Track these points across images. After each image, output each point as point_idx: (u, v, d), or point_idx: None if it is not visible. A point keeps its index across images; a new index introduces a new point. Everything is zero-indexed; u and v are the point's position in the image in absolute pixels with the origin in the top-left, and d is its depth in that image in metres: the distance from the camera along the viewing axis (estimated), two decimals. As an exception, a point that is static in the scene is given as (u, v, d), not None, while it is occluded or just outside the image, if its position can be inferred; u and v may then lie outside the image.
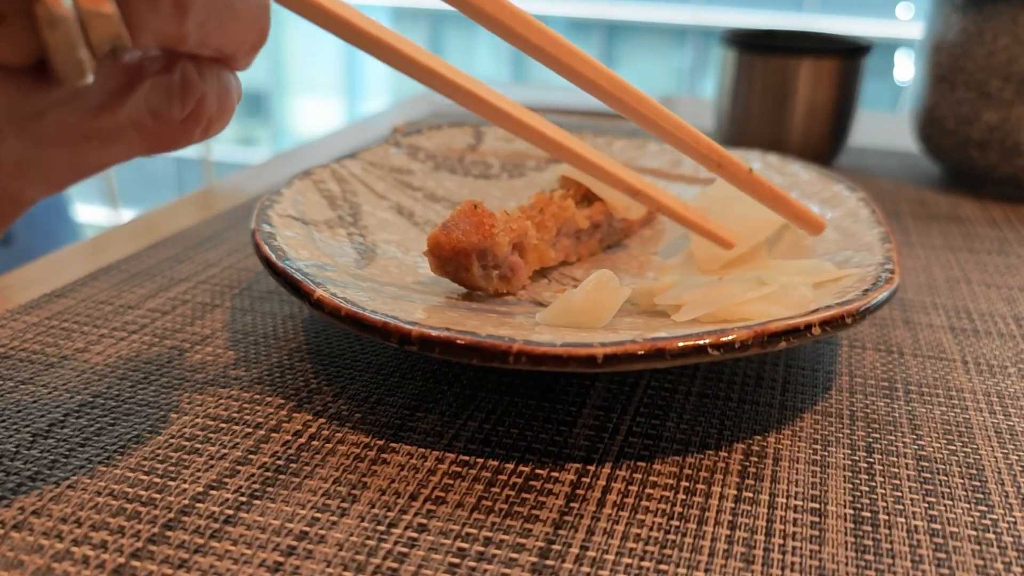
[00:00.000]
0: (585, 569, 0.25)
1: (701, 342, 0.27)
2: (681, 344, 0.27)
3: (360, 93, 3.46)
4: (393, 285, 0.35)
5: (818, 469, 0.30)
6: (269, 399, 0.32)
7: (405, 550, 0.25)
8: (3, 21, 0.18)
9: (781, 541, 0.26)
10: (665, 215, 0.35)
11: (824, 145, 0.66)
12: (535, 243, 0.37)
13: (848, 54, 0.64)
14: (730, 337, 0.28)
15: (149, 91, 0.22)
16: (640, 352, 0.27)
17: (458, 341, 0.28)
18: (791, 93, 0.63)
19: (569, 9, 3.18)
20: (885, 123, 0.89)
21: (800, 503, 0.28)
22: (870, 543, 0.26)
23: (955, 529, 0.27)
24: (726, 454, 0.30)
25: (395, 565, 0.24)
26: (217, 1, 0.21)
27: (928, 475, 0.30)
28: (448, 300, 0.36)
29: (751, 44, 0.65)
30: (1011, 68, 0.56)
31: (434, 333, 0.28)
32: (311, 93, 3.42)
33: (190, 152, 2.89)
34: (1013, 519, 0.27)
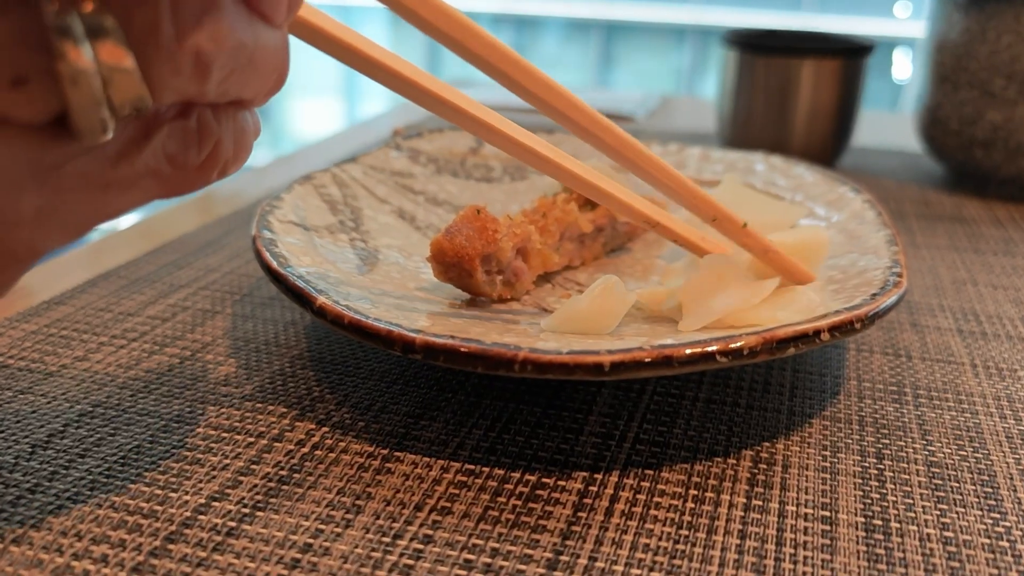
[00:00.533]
0: (594, 581, 0.24)
1: (709, 349, 0.27)
2: (689, 351, 0.27)
3: (359, 95, 3.46)
4: (396, 291, 0.35)
5: (828, 476, 0.29)
6: (271, 408, 0.32)
7: (411, 562, 0.25)
8: (27, 82, 0.18)
9: (792, 551, 0.26)
10: (680, 245, 0.35)
11: (827, 146, 0.65)
12: (539, 248, 0.37)
13: (850, 54, 0.63)
14: (739, 344, 0.27)
15: (166, 138, 0.21)
16: (648, 360, 0.27)
17: (463, 349, 0.27)
18: (793, 94, 0.63)
19: (567, 9, 3.18)
20: (886, 123, 0.88)
21: (810, 511, 0.27)
22: (882, 552, 0.26)
23: (968, 537, 0.27)
24: (735, 461, 0.30)
25: (401, 578, 0.24)
26: (239, 58, 0.21)
27: (939, 481, 0.29)
28: (452, 307, 0.35)
29: (752, 45, 0.64)
30: (1014, 67, 0.56)
31: (439, 341, 0.28)
32: (310, 95, 3.42)
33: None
34: (1027, 526, 0.27)
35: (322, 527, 0.26)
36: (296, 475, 0.28)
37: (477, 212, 0.35)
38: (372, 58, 0.25)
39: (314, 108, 3.40)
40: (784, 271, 0.35)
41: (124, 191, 0.21)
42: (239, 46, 0.21)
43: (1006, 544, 0.26)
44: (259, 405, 0.32)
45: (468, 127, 0.28)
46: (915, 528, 0.27)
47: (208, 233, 0.49)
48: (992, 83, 0.57)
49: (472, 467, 0.29)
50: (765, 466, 0.30)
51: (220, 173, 0.23)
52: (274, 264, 0.32)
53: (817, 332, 0.28)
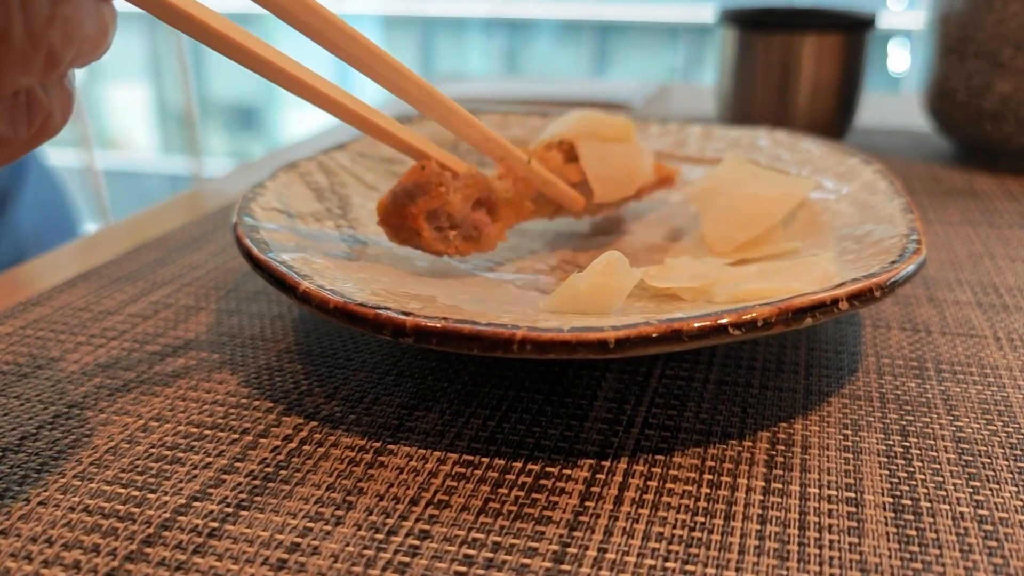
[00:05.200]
0: (604, 573, 0.22)
1: (721, 321, 0.25)
2: (699, 325, 0.25)
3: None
4: (386, 277, 0.33)
5: (851, 456, 0.27)
6: (257, 403, 0.30)
7: (406, 559, 0.23)
8: None
9: (817, 535, 0.24)
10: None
11: (831, 123, 0.63)
12: (507, 197, 0.35)
13: (852, 28, 0.61)
14: (752, 315, 0.25)
15: None
16: (655, 335, 0.25)
17: (457, 330, 0.25)
18: (795, 71, 0.61)
19: (560, 11, 3.16)
20: (890, 104, 0.86)
21: (834, 493, 0.26)
22: (913, 533, 0.24)
23: (1004, 515, 0.25)
24: (751, 443, 0.28)
25: (396, 576, 0.22)
26: (83, 44, 0.20)
27: (970, 458, 0.27)
28: (445, 291, 0.33)
29: (751, 22, 0.63)
30: (1023, 35, 0.54)
31: (431, 323, 0.26)
32: (303, 105, 3.41)
33: (182, 168, 2.87)
34: (1068, 501, 0.25)
35: (310, 525, 0.24)
36: (283, 472, 0.26)
37: (421, 168, 0.33)
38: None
39: (307, 118, 3.38)
40: (561, 197, 0.38)
41: None
42: (85, 36, 0.20)
43: (1047, 521, 0.24)
44: (244, 401, 0.30)
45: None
46: (947, 507, 0.25)
47: (193, 230, 0.48)
48: (1000, 53, 0.55)
49: (471, 458, 0.27)
50: (783, 447, 0.28)
51: (45, 140, 0.22)
52: (255, 250, 0.30)
53: (835, 301, 0.26)
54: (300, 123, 3.32)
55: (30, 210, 0.72)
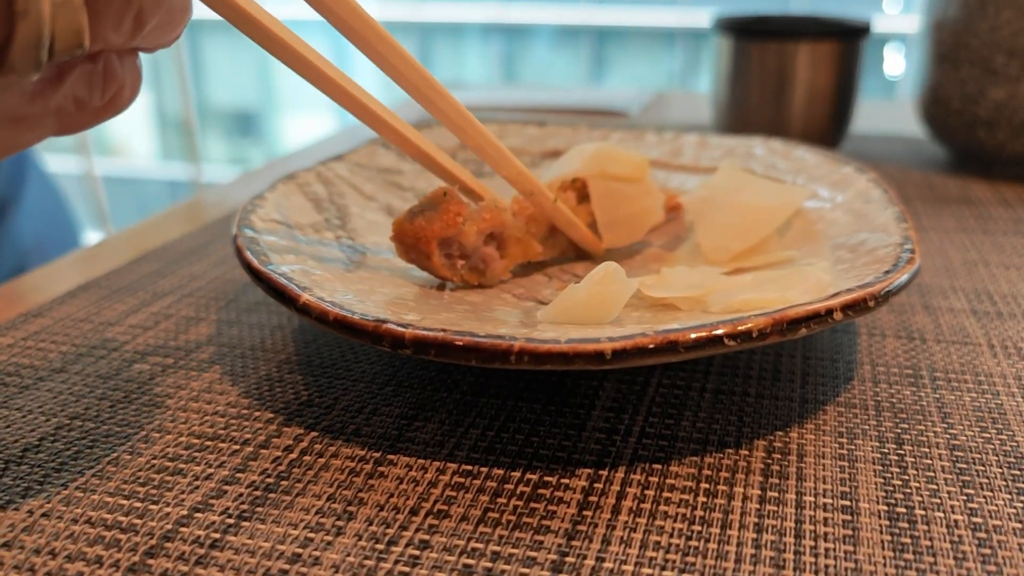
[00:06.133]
0: (603, 582, 0.23)
1: (716, 332, 0.26)
2: (694, 335, 0.25)
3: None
4: (384, 288, 0.33)
5: (846, 464, 0.28)
6: (257, 414, 0.31)
7: (407, 569, 0.23)
8: None
9: (812, 543, 0.24)
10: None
11: (826, 131, 0.64)
12: (519, 235, 0.36)
13: (846, 36, 0.62)
14: (747, 326, 0.26)
15: (75, 80, 0.22)
16: (651, 346, 0.25)
17: (456, 342, 0.26)
18: (790, 79, 0.62)
19: (557, 16, 3.17)
20: (884, 110, 0.87)
21: (830, 501, 0.26)
22: (908, 541, 0.24)
23: (998, 522, 0.25)
24: (747, 452, 0.28)
25: (396, 586, 0.22)
26: (165, 14, 0.22)
27: (964, 465, 0.28)
28: (444, 302, 0.34)
29: (746, 30, 0.63)
30: (1016, 42, 0.54)
31: (429, 335, 0.26)
32: (302, 111, 3.41)
33: (181, 175, 2.88)
34: (1060, 509, 0.26)
35: (311, 536, 0.24)
36: (284, 482, 0.27)
37: (444, 194, 0.34)
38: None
39: (307, 123, 3.38)
40: (582, 240, 0.39)
41: (31, 128, 0.22)
42: (171, 5, 0.22)
43: (1040, 528, 0.25)
44: (245, 412, 0.31)
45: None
46: (941, 515, 0.25)
47: (193, 240, 0.48)
48: (993, 60, 0.55)
49: (470, 468, 0.27)
50: (779, 456, 0.28)
51: (114, 114, 0.24)
52: (255, 262, 0.30)
53: (830, 311, 0.27)
54: (299, 129, 3.32)
55: (30, 219, 0.72)
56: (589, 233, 0.39)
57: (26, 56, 0.19)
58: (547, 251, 0.38)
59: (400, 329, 0.26)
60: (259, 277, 0.30)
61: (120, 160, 3.24)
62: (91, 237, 2.27)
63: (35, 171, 0.74)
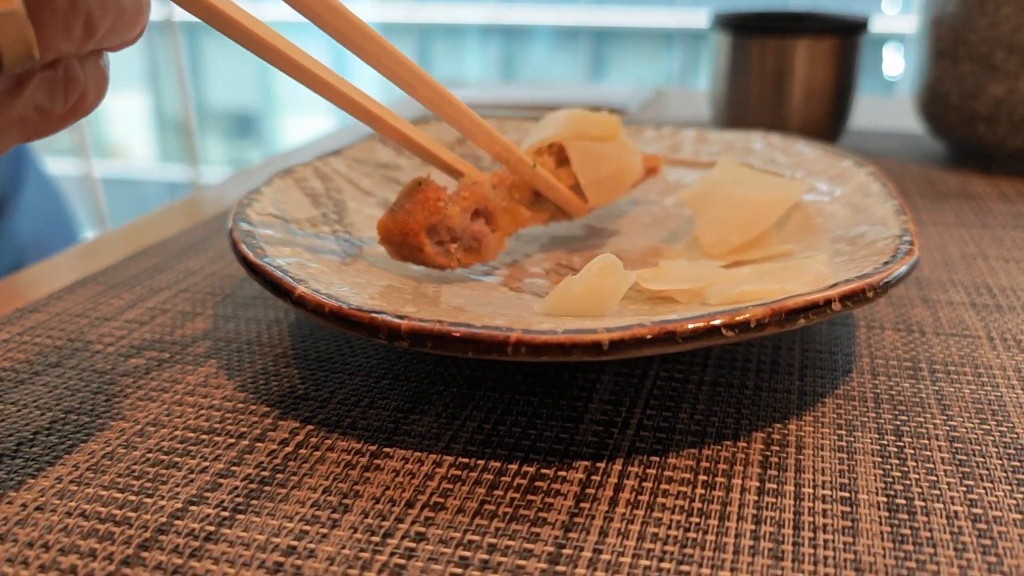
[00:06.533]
0: (600, 573, 0.22)
1: (714, 323, 0.25)
2: (692, 326, 0.25)
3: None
4: (381, 281, 0.33)
5: (845, 456, 0.28)
6: (253, 407, 0.30)
7: (402, 561, 0.23)
8: None
9: (811, 534, 0.24)
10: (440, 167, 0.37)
11: (825, 126, 0.64)
12: (504, 205, 0.36)
13: (845, 32, 0.62)
14: (745, 316, 0.26)
15: (35, 89, 0.21)
16: (649, 336, 0.25)
17: (452, 333, 0.26)
18: (788, 75, 0.61)
19: (556, 17, 3.17)
20: (883, 107, 0.87)
21: (828, 492, 0.26)
22: (908, 532, 0.24)
23: (998, 513, 0.25)
24: (745, 444, 0.28)
25: (391, 578, 0.22)
26: (117, 15, 0.22)
27: (964, 457, 0.27)
28: (440, 295, 0.33)
29: (744, 27, 0.63)
30: (1015, 37, 0.54)
31: (426, 326, 0.26)
32: (301, 112, 3.41)
33: (180, 176, 2.88)
34: (1061, 500, 0.25)
35: (307, 528, 0.24)
36: (279, 475, 0.27)
37: (419, 184, 0.33)
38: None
39: (305, 124, 3.38)
40: (564, 203, 0.39)
41: None
42: (121, 8, 0.21)
43: (1040, 519, 0.25)
44: (240, 405, 0.30)
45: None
46: (941, 506, 0.25)
47: (190, 236, 0.48)
48: (993, 56, 0.55)
49: (466, 460, 0.27)
50: (778, 448, 0.28)
51: (79, 118, 0.23)
52: (251, 255, 0.30)
53: (828, 301, 0.27)
54: (298, 130, 3.32)
55: (29, 218, 0.72)
56: (571, 195, 0.39)
57: None
58: (535, 216, 0.38)
59: (396, 321, 0.26)
60: (255, 270, 0.30)
61: (119, 162, 3.24)
62: (90, 238, 2.25)
63: (33, 171, 0.74)
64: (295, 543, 0.24)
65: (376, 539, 0.24)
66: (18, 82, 0.21)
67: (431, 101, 0.33)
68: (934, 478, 0.26)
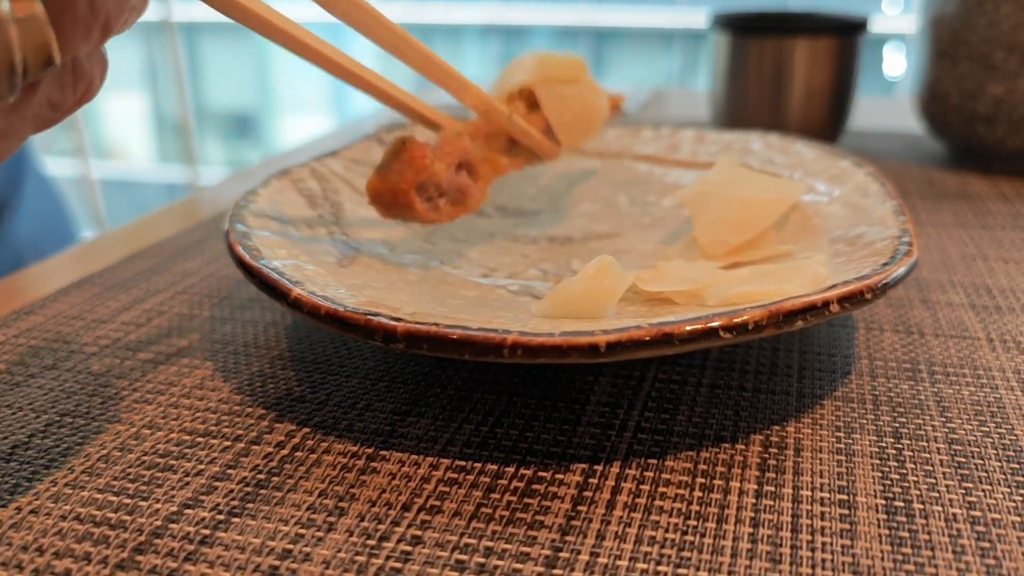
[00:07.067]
0: (597, 577, 0.22)
1: (712, 324, 0.25)
2: (689, 328, 0.25)
3: (348, 109, 3.44)
4: (378, 283, 0.33)
5: (843, 458, 0.27)
6: (249, 410, 0.30)
7: (398, 565, 0.23)
8: None
9: (809, 537, 0.24)
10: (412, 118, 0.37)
11: (824, 127, 0.63)
12: (483, 155, 0.36)
13: (844, 32, 0.61)
14: (743, 318, 0.25)
15: (47, 85, 0.22)
16: (646, 338, 0.25)
17: (448, 335, 0.25)
18: (788, 75, 0.61)
19: (556, 17, 3.17)
20: (883, 107, 0.86)
21: (827, 495, 0.26)
22: (906, 535, 0.24)
23: (997, 515, 0.25)
24: (743, 447, 0.28)
25: (387, 582, 0.22)
26: (131, 15, 0.22)
27: (963, 459, 0.27)
28: (437, 297, 0.33)
29: (743, 27, 0.63)
30: (1015, 37, 0.54)
31: (422, 328, 0.26)
32: (299, 112, 3.41)
33: (178, 178, 2.87)
34: (1060, 502, 0.25)
35: (302, 532, 0.24)
36: (275, 478, 0.26)
37: (403, 143, 0.34)
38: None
39: (304, 125, 3.38)
40: (539, 147, 0.39)
41: (11, 138, 0.22)
42: (133, 5, 0.21)
43: (1040, 521, 0.24)
44: (236, 408, 0.30)
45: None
46: (939, 508, 0.25)
47: (188, 237, 0.48)
48: (992, 56, 0.55)
49: (463, 463, 0.27)
50: (776, 450, 0.28)
51: (85, 103, 0.24)
52: (247, 257, 0.30)
53: (826, 303, 0.26)
54: (297, 131, 3.32)
55: (28, 221, 0.72)
56: (544, 139, 0.39)
57: (3, 80, 0.19)
58: (512, 163, 0.38)
59: (392, 323, 0.26)
60: (251, 272, 0.30)
61: (117, 163, 3.24)
62: (87, 240, 2.25)
63: (33, 173, 0.74)
64: (291, 547, 0.23)
65: (372, 543, 0.24)
66: (33, 84, 0.21)
67: (396, 48, 0.33)
68: (933, 480, 0.26)
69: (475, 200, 0.36)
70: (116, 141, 3.34)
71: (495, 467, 0.27)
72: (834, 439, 0.28)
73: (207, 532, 0.24)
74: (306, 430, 0.29)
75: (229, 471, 0.27)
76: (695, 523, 0.24)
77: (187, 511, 0.25)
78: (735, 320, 0.25)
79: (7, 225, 0.69)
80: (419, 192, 0.34)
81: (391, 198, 0.33)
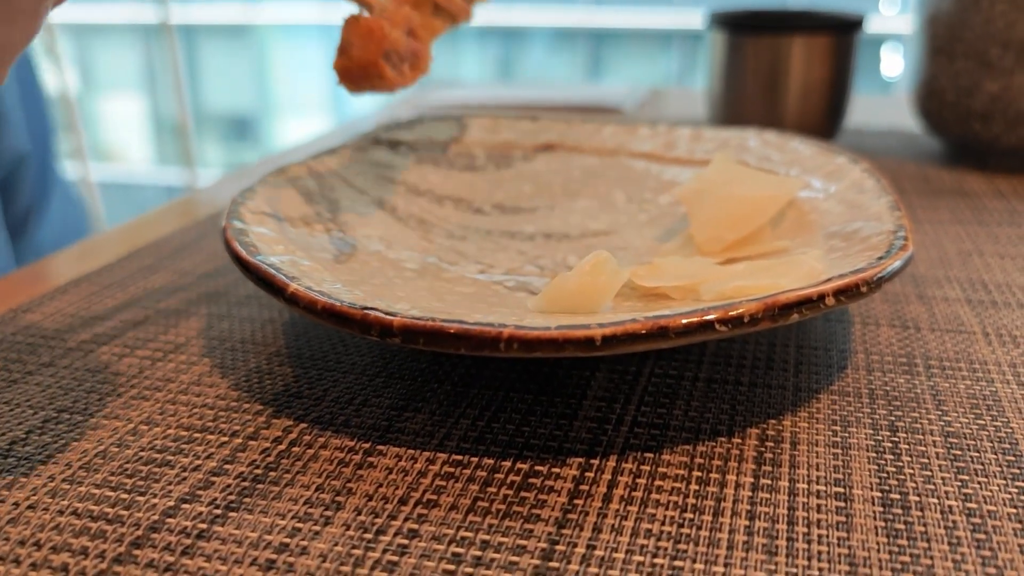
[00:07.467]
0: (593, 570, 0.22)
1: (708, 318, 0.25)
2: (685, 321, 0.25)
3: (347, 111, 3.45)
4: (375, 279, 0.33)
5: (839, 451, 0.27)
6: (247, 406, 0.30)
7: (395, 558, 0.23)
8: None
9: (805, 529, 0.24)
10: None
11: (821, 124, 0.63)
12: (420, 21, 0.38)
13: (840, 30, 0.62)
14: (739, 311, 0.26)
15: None
16: (642, 331, 0.25)
17: (445, 329, 0.26)
18: (784, 73, 0.61)
19: (554, 18, 3.17)
20: (879, 104, 0.87)
21: (823, 488, 0.26)
22: (902, 527, 0.24)
23: (993, 508, 0.25)
24: (740, 440, 0.28)
25: (384, 575, 0.22)
26: None
27: (958, 452, 0.27)
28: (433, 292, 0.33)
29: (740, 25, 0.63)
30: (1010, 34, 0.54)
31: (418, 323, 0.26)
32: (298, 114, 3.41)
33: (176, 180, 2.87)
34: (1055, 494, 0.25)
35: (299, 526, 0.24)
36: (272, 473, 0.26)
37: (355, 19, 0.35)
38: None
39: (303, 127, 3.38)
40: (456, 10, 0.40)
41: (34, 18, 0.24)
42: None
43: (1035, 513, 0.24)
44: (234, 404, 0.30)
45: None
46: (935, 501, 0.25)
47: (186, 236, 0.48)
48: (988, 52, 0.55)
49: (460, 458, 0.27)
50: (772, 444, 0.28)
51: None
52: (243, 253, 0.30)
53: (821, 296, 0.26)
54: (295, 132, 3.32)
55: (53, 227, 0.71)
56: (462, 1, 0.41)
57: None
58: (441, 25, 0.40)
59: (388, 317, 0.26)
60: (247, 268, 0.30)
61: (115, 165, 3.24)
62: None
63: (59, 181, 0.73)
64: (288, 540, 0.23)
65: (369, 536, 0.24)
66: None
67: None
68: (929, 473, 0.26)
69: (426, 62, 0.38)
70: (114, 143, 3.34)
71: (492, 461, 0.27)
72: (830, 433, 0.29)
73: (204, 527, 0.24)
74: (303, 426, 0.29)
75: (226, 466, 0.27)
76: (691, 516, 0.24)
77: (184, 506, 0.25)
78: (731, 313, 0.25)
79: (34, 231, 0.69)
80: (385, 60, 0.36)
81: (360, 72, 0.35)
